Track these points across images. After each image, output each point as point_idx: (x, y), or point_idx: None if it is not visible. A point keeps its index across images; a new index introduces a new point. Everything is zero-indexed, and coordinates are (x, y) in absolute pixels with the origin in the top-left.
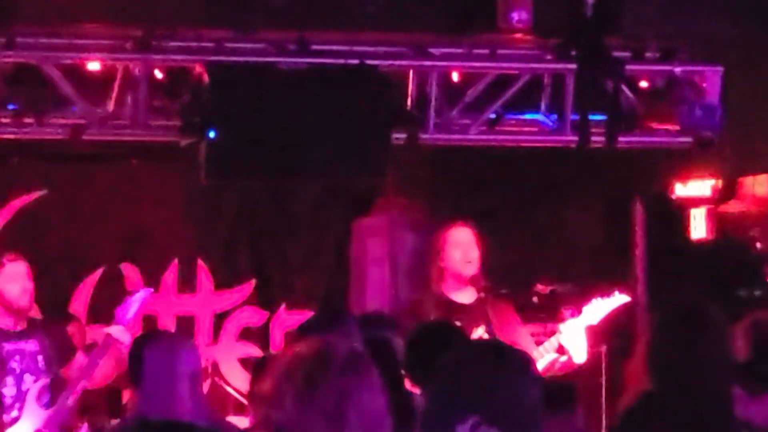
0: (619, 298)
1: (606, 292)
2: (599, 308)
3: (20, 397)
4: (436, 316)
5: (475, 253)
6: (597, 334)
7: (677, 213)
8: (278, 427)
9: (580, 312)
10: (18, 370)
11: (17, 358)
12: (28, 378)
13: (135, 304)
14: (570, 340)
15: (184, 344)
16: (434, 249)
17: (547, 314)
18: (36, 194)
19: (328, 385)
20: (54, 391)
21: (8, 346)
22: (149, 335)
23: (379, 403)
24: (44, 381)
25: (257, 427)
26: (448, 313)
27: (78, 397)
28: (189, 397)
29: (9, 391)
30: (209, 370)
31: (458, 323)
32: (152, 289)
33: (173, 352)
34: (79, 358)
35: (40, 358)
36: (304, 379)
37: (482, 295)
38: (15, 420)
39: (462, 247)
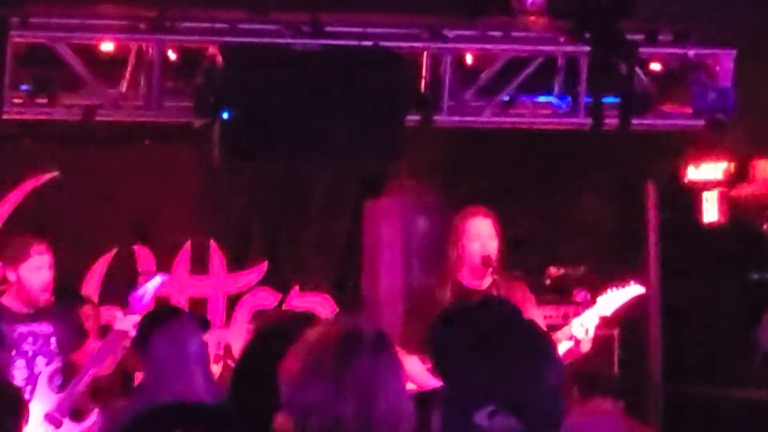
0: (634, 289)
1: (621, 283)
2: (613, 299)
3: (32, 379)
4: (450, 302)
5: (494, 245)
6: (610, 318)
7: (689, 196)
8: (306, 409)
9: (593, 296)
10: (30, 353)
11: (30, 340)
12: (40, 360)
13: (150, 290)
14: (581, 329)
15: (192, 325)
16: (452, 237)
17: (560, 296)
18: (48, 175)
19: (359, 366)
20: (66, 374)
21: (21, 329)
22: (157, 316)
23: (402, 384)
24: (56, 365)
25: (280, 408)
26: (463, 299)
27: (89, 381)
28: (200, 377)
29: (21, 373)
30: (222, 352)
31: None
32: (167, 275)
33: (182, 333)
34: (91, 342)
35: (52, 340)
36: (335, 361)
37: (495, 277)
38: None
39: (481, 239)
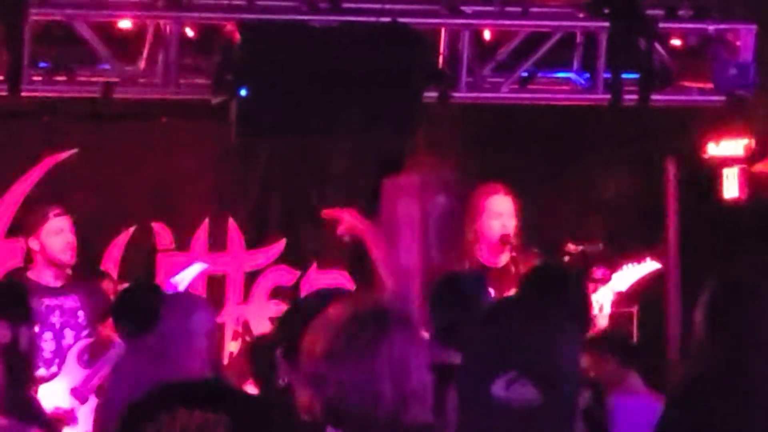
0: (650, 265)
1: (638, 258)
2: (629, 275)
3: (60, 352)
4: None
5: (512, 223)
6: (628, 295)
7: (709, 172)
8: (341, 387)
9: (612, 273)
10: (58, 325)
11: (57, 313)
12: (68, 333)
13: (188, 277)
14: (596, 305)
15: (200, 304)
16: (471, 214)
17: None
18: (67, 153)
19: (393, 342)
20: (94, 351)
21: (48, 301)
22: (168, 294)
23: (426, 360)
24: (87, 340)
25: (302, 385)
26: None
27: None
28: (204, 355)
29: (48, 345)
30: (240, 329)
31: (491, 288)
32: (207, 265)
33: (189, 312)
34: None
35: (80, 313)
36: (370, 338)
37: (513, 254)
38: (54, 375)
39: (502, 217)
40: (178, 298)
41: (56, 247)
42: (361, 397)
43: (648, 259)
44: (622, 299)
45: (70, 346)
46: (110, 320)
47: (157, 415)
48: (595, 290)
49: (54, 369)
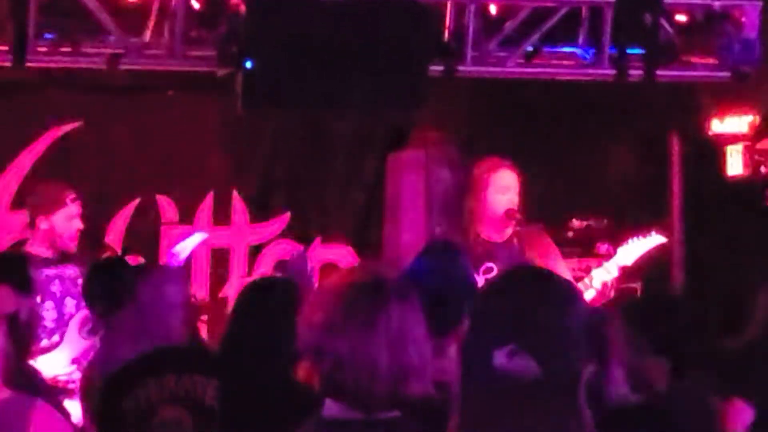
0: (655, 239)
1: (643, 232)
2: (634, 248)
3: (61, 321)
4: (471, 255)
5: (516, 199)
6: (632, 271)
7: (714, 149)
8: (339, 357)
9: (616, 249)
10: (58, 294)
11: (56, 282)
12: (69, 302)
13: (188, 247)
14: (599, 281)
15: (173, 276)
16: (475, 188)
17: (582, 249)
18: (72, 125)
19: (391, 313)
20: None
21: (47, 271)
22: (140, 268)
23: (425, 331)
24: (87, 311)
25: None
26: (483, 252)
27: None
28: (177, 322)
29: (50, 314)
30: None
31: (494, 263)
32: (207, 234)
33: (163, 283)
34: None
35: (80, 282)
36: (368, 308)
37: (517, 229)
38: (55, 345)
39: (508, 192)
40: (150, 272)
41: (65, 235)
42: (359, 368)
43: (653, 233)
44: (625, 275)
45: (71, 315)
46: None
47: (143, 381)
48: (599, 265)
49: (56, 338)
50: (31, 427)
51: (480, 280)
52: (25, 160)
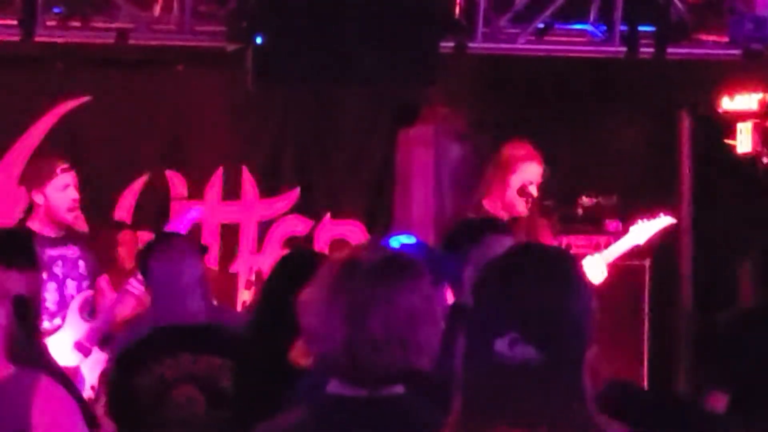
0: (664, 220)
1: (651, 214)
2: (645, 229)
3: (64, 303)
4: None
5: (536, 193)
6: (641, 248)
7: (724, 127)
8: (308, 333)
9: (625, 226)
10: (61, 276)
11: (59, 263)
12: (70, 283)
13: (184, 222)
14: (606, 261)
15: (188, 250)
16: (501, 167)
17: (591, 226)
18: (81, 100)
19: (351, 291)
20: (95, 303)
21: (50, 252)
22: (153, 245)
23: (409, 307)
24: (88, 292)
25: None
26: None
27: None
28: (197, 299)
29: (52, 296)
30: (253, 278)
31: None
32: (201, 207)
33: (176, 259)
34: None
35: (81, 263)
36: (330, 286)
37: (526, 210)
38: (57, 328)
39: (530, 186)
40: (164, 247)
41: (61, 206)
42: (321, 347)
43: (662, 215)
44: (634, 253)
45: (72, 297)
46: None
47: (160, 358)
48: (609, 243)
49: (57, 321)
50: (35, 403)
51: None
52: (34, 136)
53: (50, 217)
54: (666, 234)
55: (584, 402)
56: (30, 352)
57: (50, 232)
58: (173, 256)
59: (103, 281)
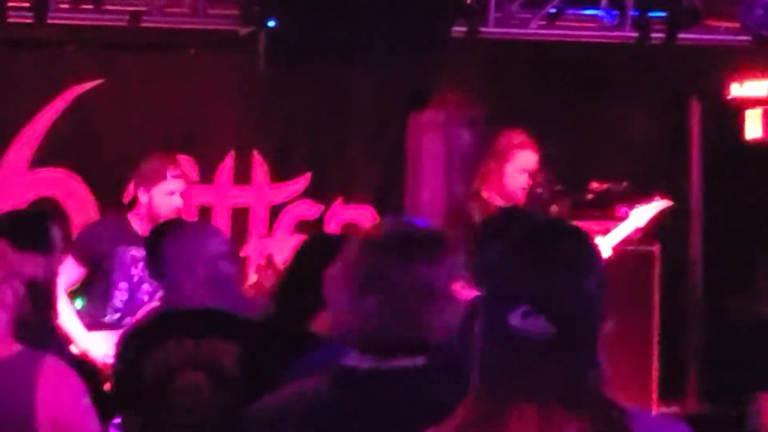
0: (661, 203)
1: (647, 199)
2: (644, 213)
3: (131, 304)
4: (477, 216)
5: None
6: (650, 233)
7: (733, 113)
8: (328, 305)
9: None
10: (136, 278)
11: (140, 266)
12: (145, 287)
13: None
14: (611, 242)
15: (205, 231)
16: (497, 157)
17: (601, 212)
18: (92, 83)
19: (366, 265)
20: None
21: (134, 251)
22: (165, 227)
23: (423, 282)
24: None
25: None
26: (489, 214)
27: None
28: (207, 283)
29: (121, 294)
30: (264, 262)
31: None
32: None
33: (194, 240)
34: None
35: None
36: (347, 259)
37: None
38: (117, 324)
39: (527, 173)
40: (178, 228)
41: (163, 211)
42: (340, 314)
43: (657, 198)
44: (643, 239)
45: (143, 302)
46: None
47: (164, 341)
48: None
49: (116, 316)
50: (40, 382)
51: None
52: (45, 118)
53: (148, 217)
54: (674, 219)
55: (598, 379)
56: (39, 334)
57: (145, 231)
58: (184, 238)
59: None
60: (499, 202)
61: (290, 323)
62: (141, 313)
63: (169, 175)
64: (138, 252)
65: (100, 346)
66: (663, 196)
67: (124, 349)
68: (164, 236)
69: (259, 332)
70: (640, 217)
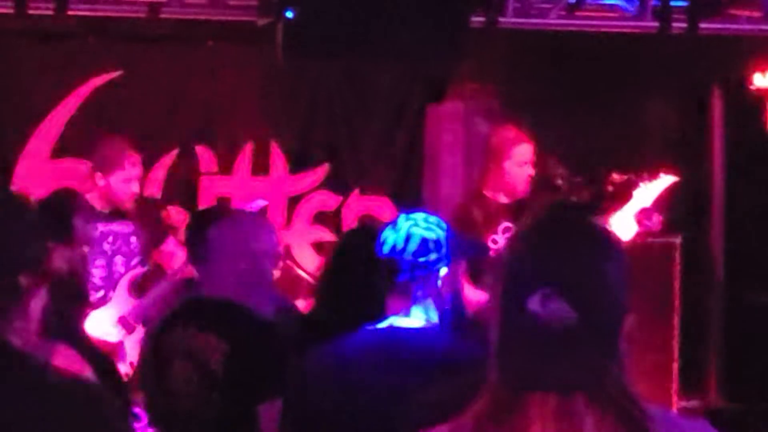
0: (666, 180)
1: (652, 176)
2: (649, 191)
3: (110, 279)
4: (479, 216)
5: (532, 171)
6: (670, 223)
7: (755, 103)
8: None
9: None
10: (109, 252)
11: (110, 239)
12: (118, 260)
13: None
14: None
15: (261, 226)
16: (495, 156)
17: (621, 203)
18: (112, 74)
19: None
20: (145, 279)
21: (102, 227)
22: (214, 212)
23: None
24: (140, 269)
25: None
26: (495, 211)
27: (166, 292)
28: (241, 277)
29: (99, 272)
30: (282, 253)
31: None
32: (267, 202)
33: (251, 232)
34: (170, 242)
35: (133, 239)
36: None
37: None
38: (101, 301)
39: (525, 166)
40: (231, 216)
41: (121, 197)
42: None
43: (662, 175)
44: (665, 230)
45: (121, 274)
46: (164, 244)
47: (174, 329)
48: (638, 220)
49: (101, 294)
50: None
51: (500, 240)
52: (65, 110)
53: (105, 198)
54: (696, 210)
55: (621, 370)
56: (59, 327)
57: (104, 207)
58: (223, 229)
59: (171, 243)
60: (504, 199)
61: (339, 318)
62: (124, 282)
63: (126, 164)
64: (103, 226)
65: (94, 327)
66: (668, 172)
67: (149, 331)
68: (213, 222)
69: (259, 336)
70: (645, 196)
